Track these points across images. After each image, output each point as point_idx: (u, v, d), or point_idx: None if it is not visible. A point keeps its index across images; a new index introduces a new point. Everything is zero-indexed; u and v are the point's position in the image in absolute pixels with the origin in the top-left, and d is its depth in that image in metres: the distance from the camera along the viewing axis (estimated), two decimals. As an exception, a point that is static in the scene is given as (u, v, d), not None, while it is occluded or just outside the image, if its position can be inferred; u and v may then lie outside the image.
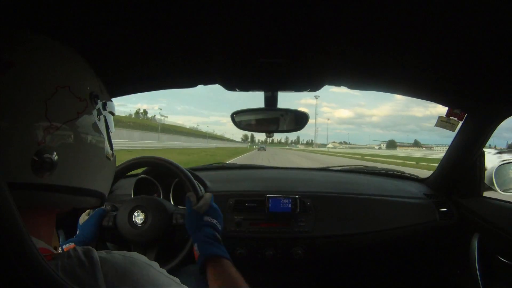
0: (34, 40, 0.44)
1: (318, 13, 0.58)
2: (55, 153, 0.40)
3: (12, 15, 0.51)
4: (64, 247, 0.81)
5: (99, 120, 0.48)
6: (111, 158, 0.51)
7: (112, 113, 0.54)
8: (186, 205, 0.83)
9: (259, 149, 56.03)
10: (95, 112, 0.47)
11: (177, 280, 0.45)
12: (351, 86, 1.04)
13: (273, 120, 1.03)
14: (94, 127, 0.46)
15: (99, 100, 0.48)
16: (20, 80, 0.39)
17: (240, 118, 1.02)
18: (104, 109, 0.50)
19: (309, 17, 0.59)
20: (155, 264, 0.43)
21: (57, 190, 0.41)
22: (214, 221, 0.78)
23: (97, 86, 0.49)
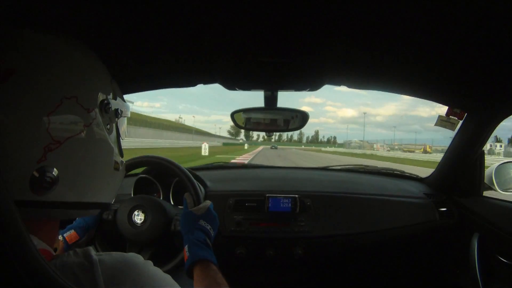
0: (38, 40, 0.40)
1: (318, 12, 0.58)
2: (56, 170, 0.37)
3: (11, 11, 0.49)
4: (65, 235, 0.81)
5: (109, 129, 0.44)
6: (120, 167, 0.48)
7: (126, 116, 0.50)
8: (183, 205, 0.84)
9: (271, 148, 56.35)
10: (105, 121, 0.43)
11: (170, 277, 0.45)
12: (351, 85, 1.04)
13: (273, 119, 1.03)
14: (103, 139, 0.43)
15: (110, 108, 0.44)
16: (21, 90, 0.36)
17: (240, 118, 1.02)
18: (117, 116, 0.46)
19: (309, 17, 0.59)
20: (150, 263, 0.43)
21: (58, 206, 0.39)
22: (208, 227, 0.78)
23: (110, 91, 0.46)
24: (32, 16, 0.54)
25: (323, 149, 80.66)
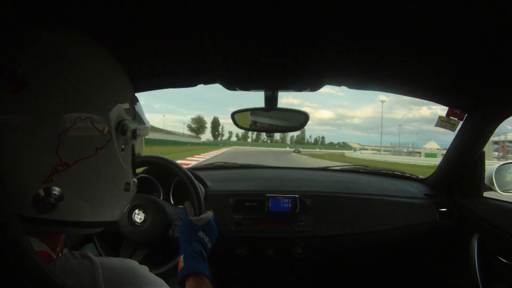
0: (59, 48, 0.37)
1: (319, 12, 0.58)
2: (61, 191, 0.35)
3: (20, 9, 0.46)
4: None
5: (123, 150, 0.42)
6: (131, 187, 0.46)
7: (145, 135, 0.48)
8: (183, 213, 0.83)
9: (294, 151, 48.99)
10: (120, 143, 0.41)
11: (164, 282, 0.45)
12: (351, 85, 1.04)
13: (273, 119, 1.03)
14: (115, 161, 0.41)
15: (127, 130, 0.41)
16: (32, 105, 0.34)
17: (240, 118, 1.02)
18: (134, 137, 0.44)
19: (310, 17, 0.59)
20: (146, 268, 0.43)
21: (60, 225, 0.38)
22: (206, 239, 0.77)
23: (130, 110, 0.43)
24: (34, 14, 0.53)
25: (348, 154, 48.25)
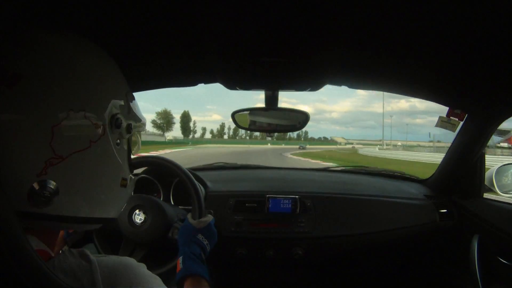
0: (51, 44, 0.38)
1: (319, 12, 0.58)
2: (56, 185, 0.35)
3: (17, 9, 0.47)
4: None
5: (118, 145, 0.42)
6: (128, 183, 0.46)
7: (142, 130, 0.49)
8: (184, 220, 0.83)
9: (300, 148, 48.12)
10: (114, 137, 0.41)
11: (160, 279, 0.45)
12: (352, 85, 1.04)
13: (274, 119, 1.03)
14: (110, 155, 0.41)
15: (121, 123, 0.42)
16: (26, 97, 0.34)
17: (240, 118, 1.02)
18: (129, 131, 0.44)
19: (310, 17, 0.59)
20: (144, 266, 0.44)
21: (56, 220, 0.37)
22: (205, 242, 0.77)
23: (124, 104, 0.43)
24: (32, 14, 0.53)
25: (362, 151, 33.87)
